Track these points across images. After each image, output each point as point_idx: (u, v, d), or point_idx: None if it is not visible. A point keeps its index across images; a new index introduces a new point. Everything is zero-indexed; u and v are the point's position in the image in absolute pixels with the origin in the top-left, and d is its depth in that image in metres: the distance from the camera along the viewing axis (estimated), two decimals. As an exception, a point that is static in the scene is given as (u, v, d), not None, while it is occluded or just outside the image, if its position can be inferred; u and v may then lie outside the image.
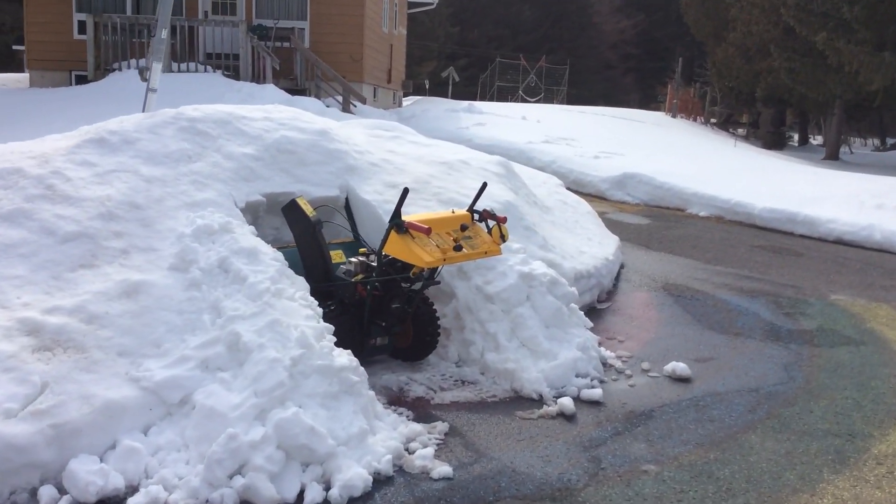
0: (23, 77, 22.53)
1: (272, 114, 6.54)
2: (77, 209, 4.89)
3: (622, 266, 8.97)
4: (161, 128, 5.86)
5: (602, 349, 5.98)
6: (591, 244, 8.06)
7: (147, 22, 18.35)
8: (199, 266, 4.68)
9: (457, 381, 5.35)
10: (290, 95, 16.76)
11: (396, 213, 4.79)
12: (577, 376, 5.39)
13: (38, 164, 5.20)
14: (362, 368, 4.37)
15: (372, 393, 4.37)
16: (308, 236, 5.30)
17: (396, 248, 4.77)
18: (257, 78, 18.31)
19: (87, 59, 18.39)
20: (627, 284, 8.30)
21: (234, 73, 18.45)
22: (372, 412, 4.25)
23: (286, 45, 19.79)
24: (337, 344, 4.90)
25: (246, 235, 4.95)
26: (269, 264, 4.76)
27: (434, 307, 5.54)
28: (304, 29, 20.65)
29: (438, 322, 5.55)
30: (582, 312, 6.06)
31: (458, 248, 4.74)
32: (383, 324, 5.24)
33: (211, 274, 4.66)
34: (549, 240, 6.97)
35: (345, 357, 4.26)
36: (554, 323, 5.64)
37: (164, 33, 8.33)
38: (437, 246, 4.77)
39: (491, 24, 58.79)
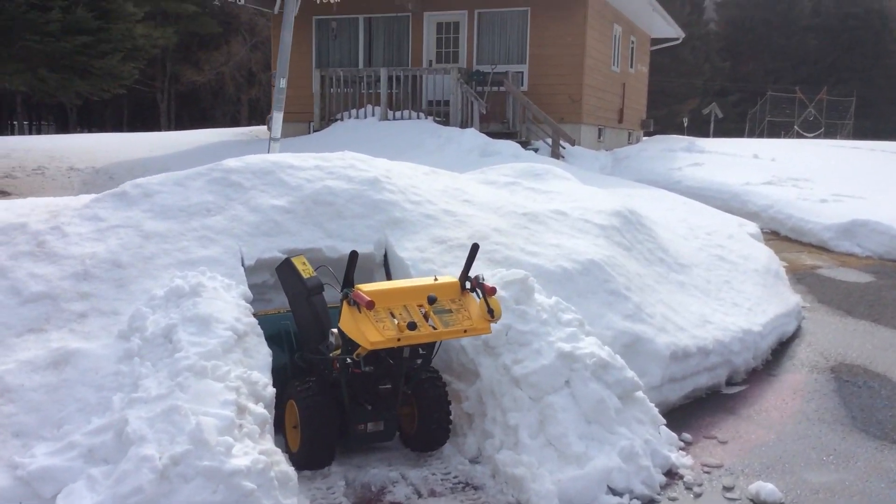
0: (265, 129, 24.33)
1: (328, 161, 5.99)
2: (54, 267, 4.63)
3: (795, 337, 7.27)
4: (191, 180, 5.53)
5: (678, 454, 4.65)
6: (731, 311, 6.54)
7: (367, 74, 18.96)
8: (143, 334, 4.18)
9: (460, 482, 4.34)
10: (489, 139, 16.29)
11: (347, 279, 3.98)
12: (611, 493, 4.17)
13: (45, 218, 5.05)
14: (275, 473, 3.56)
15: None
16: (302, 300, 4.63)
17: (347, 322, 3.95)
18: (465, 123, 18.12)
19: (314, 110, 19.37)
20: (788, 362, 6.64)
21: (445, 119, 18.44)
22: (270, 531, 3.43)
23: (503, 89, 19.47)
24: (314, 430, 4.22)
25: (211, 300, 4.37)
26: (217, 335, 4.14)
27: (444, 388, 4.59)
28: (522, 72, 20.21)
29: (449, 407, 4.60)
30: (652, 405, 4.76)
31: (411, 327, 3.81)
32: (369, 407, 4.40)
33: (153, 344, 4.13)
34: (648, 306, 5.68)
35: (245, 459, 3.49)
36: (596, 418, 4.44)
37: (283, 83, 8.18)
38: (399, 322, 3.88)
39: (768, 56, 54.88)
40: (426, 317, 3.96)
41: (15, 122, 45.49)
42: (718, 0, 60.24)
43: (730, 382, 6.07)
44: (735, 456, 4.78)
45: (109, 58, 13.23)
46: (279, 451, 3.77)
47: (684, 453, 4.74)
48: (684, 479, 4.42)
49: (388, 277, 5.43)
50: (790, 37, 54.15)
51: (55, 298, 4.42)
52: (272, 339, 4.89)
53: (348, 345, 4.04)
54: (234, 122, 38.71)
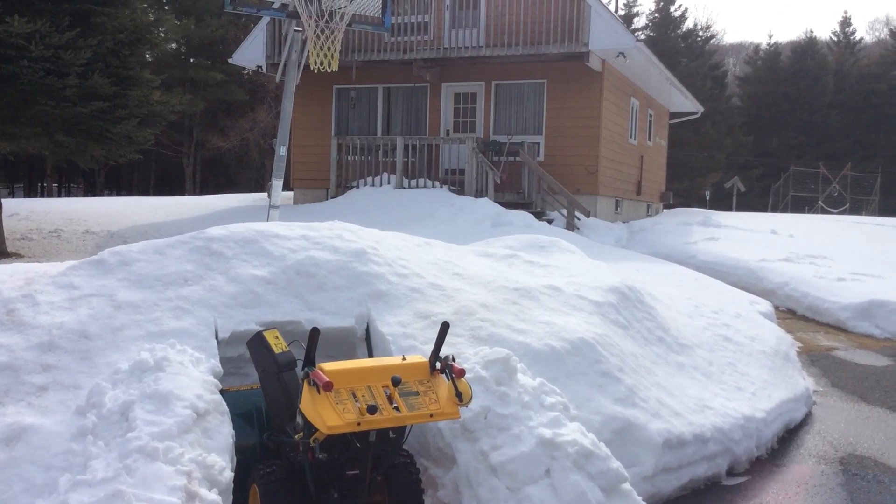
0: (288, 195, 24.50)
1: (315, 231, 5.86)
2: (20, 337, 4.49)
3: (804, 423, 6.93)
4: (172, 248, 5.41)
5: (666, 554, 4.34)
6: (733, 396, 6.25)
7: (384, 143, 19.07)
8: (100, 411, 4.00)
9: (428, 580, 4.07)
10: (502, 209, 16.20)
11: (309, 357, 3.79)
12: None
13: (19, 285, 4.94)
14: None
15: None
16: (272, 377, 4.44)
17: (307, 404, 3.75)
18: (480, 192, 18.09)
19: (330, 177, 19.47)
20: (794, 451, 6.31)
21: (459, 188, 18.42)
22: None
23: (519, 159, 19.48)
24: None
25: (174, 376, 4.19)
26: (175, 414, 3.94)
27: (418, 475, 4.34)
28: (538, 143, 20.24)
29: (423, 496, 4.34)
30: (639, 499, 4.46)
31: (372, 410, 3.60)
32: (336, 494, 4.16)
33: (108, 421, 3.95)
34: (642, 390, 5.42)
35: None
36: (576, 513, 4.16)
37: (283, 151, 8.14)
38: (361, 405, 3.68)
39: (792, 131, 54.91)
40: (391, 399, 3.76)
41: (45, 184, 46.38)
42: (740, 76, 60.69)
43: (731, 473, 5.75)
44: (729, 556, 4.46)
45: (125, 123, 13.37)
46: (228, 542, 3.54)
47: (673, 552, 4.43)
48: (670, 583, 4.11)
49: (370, 352, 5.24)
50: (813, 112, 54.23)
51: (17, 370, 4.27)
52: (243, 417, 4.70)
53: (309, 428, 3.83)
54: (258, 188, 39.07)
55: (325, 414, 3.60)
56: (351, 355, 5.24)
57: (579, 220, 17.71)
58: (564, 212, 17.93)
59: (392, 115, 21.62)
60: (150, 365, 4.29)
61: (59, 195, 44.93)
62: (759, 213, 23.74)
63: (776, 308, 11.81)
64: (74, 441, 3.87)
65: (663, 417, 5.32)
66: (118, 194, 41.07)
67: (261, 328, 5.05)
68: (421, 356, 4.06)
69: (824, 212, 39.67)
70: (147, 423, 3.85)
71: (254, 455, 4.53)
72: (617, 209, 21.81)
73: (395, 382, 3.75)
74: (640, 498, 4.48)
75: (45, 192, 45.80)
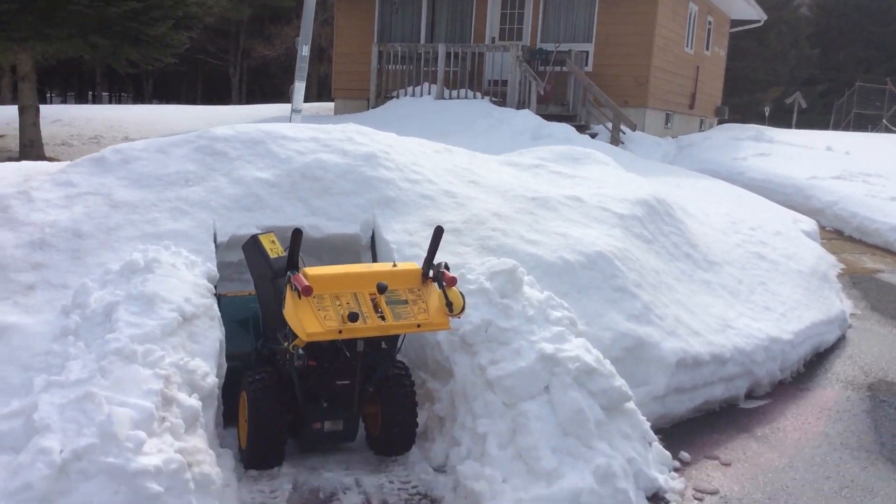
0: (330, 105, 24.16)
1: (326, 133, 5.62)
2: (11, 234, 4.39)
3: (835, 347, 6.62)
4: (175, 147, 5.24)
5: (668, 476, 4.16)
6: (760, 316, 5.95)
7: (426, 51, 18.52)
8: (84, 311, 3.91)
9: (418, 493, 3.95)
10: (543, 121, 15.69)
11: (291, 260, 3.61)
12: (581, 517, 3.71)
13: (15, 182, 4.83)
14: (193, 474, 3.23)
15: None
16: (266, 282, 4.29)
17: (289, 310, 3.58)
18: (523, 104, 17.54)
19: (370, 87, 19.05)
20: (821, 375, 6.03)
21: (502, 100, 17.88)
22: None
23: (565, 69, 18.80)
24: (260, 426, 3.89)
25: (163, 278, 4.06)
26: (159, 316, 3.82)
27: (411, 388, 4.19)
28: (587, 52, 19.47)
29: (416, 408, 4.21)
30: (643, 420, 4.27)
31: (353, 318, 3.42)
32: (325, 404, 4.03)
33: (92, 322, 3.85)
34: (659, 307, 5.16)
35: (156, 457, 3.16)
36: (574, 430, 3.97)
37: (305, 50, 7.84)
38: (344, 312, 3.50)
39: (860, 44, 52.30)
40: (377, 307, 3.57)
41: (95, 93, 46.69)
42: (810, -18, 57.64)
43: (750, 396, 5.51)
44: (735, 481, 4.26)
45: (160, 25, 13.13)
46: (205, 449, 3.43)
47: (677, 475, 4.25)
48: (669, 507, 3.94)
49: (374, 260, 5.06)
50: (886, 24, 51.43)
51: (5, 268, 4.19)
52: (240, 324, 4.59)
53: (291, 335, 3.67)
54: (305, 98, 38.55)
55: (306, 320, 3.44)
56: (357, 262, 5.06)
57: (624, 133, 17.13)
58: (610, 125, 17.36)
59: (436, 23, 20.93)
60: (140, 266, 4.17)
61: (110, 103, 45.27)
62: (816, 131, 22.71)
63: (822, 228, 11.31)
64: (56, 342, 3.79)
65: (680, 336, 5.07)
66: (166, 103, 41.23)
67: (261, 232, 4.89)
68: (414, 263, 3.85)
69: (888, 131, 38.00)
70: (129, 324, 3.74)
71: (249, 363, 4.43)
72: (667, 123, 21.04)
73: (381, 289, 3.56)
74: (643, 418, 4.29)
75: (96, 101, 46.13)
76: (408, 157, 5.69)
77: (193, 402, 3.55)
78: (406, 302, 3.63)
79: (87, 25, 12.68)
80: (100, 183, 4.85)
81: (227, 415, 4.26)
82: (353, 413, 4.06)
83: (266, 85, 45.02)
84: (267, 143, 5.37)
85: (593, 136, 16.85)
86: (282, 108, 25.08)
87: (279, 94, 42.24)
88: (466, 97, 18.08)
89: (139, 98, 46.35)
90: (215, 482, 3.36)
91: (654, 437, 4.27)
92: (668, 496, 4.01)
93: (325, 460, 4.17)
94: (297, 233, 3.61)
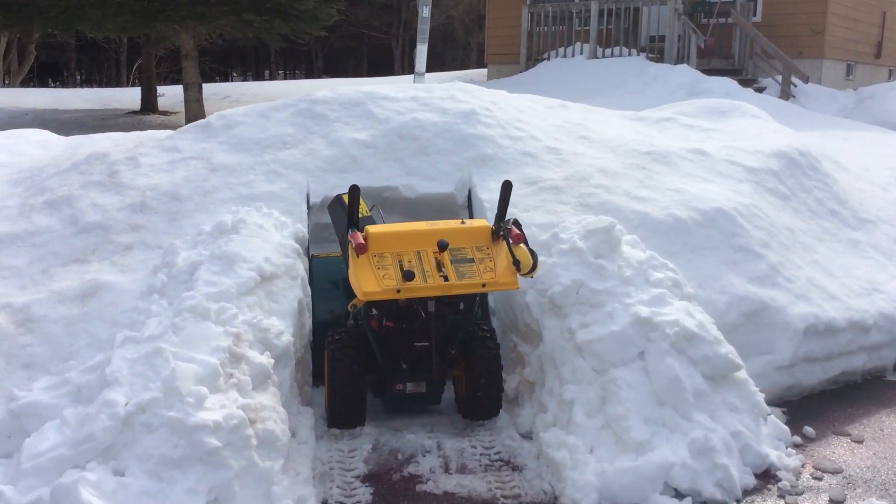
0: (483, 72, 23.97)
1: (429, 93, 5.47)
2: (116, 198, 4.56)
3: None
4: (276, 111, 5.26)
5: (784, 452, 3.73)
6: (918, 279, 5.25)
7: (578, 9, 17.91)
8: (170, 270, 3.98)
9: (500, 460, 3.76)
10: (701, 76, 14.74)
11: (350, 218, 3.48)
12: (672, 493, 3.40)
13: (127, 148, 5.02)
14: (255, 431, 3.20)
15: (255, 465, 3.17)
16: (347, 240, 4.21)
17: (351, 269, 3.47)
18: (682, 59, 16.59)
19: (520, 50, 18.70)
20: None
21: (659, 56, 17.01)
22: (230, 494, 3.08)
23: (731, 20, 17.60)
24: (338, 386, 3.84)
25: (248, 238, 4.06)
26: (237, 275, 3.82)
27: (496, 351, 3.98)
28: (755, 1, 18.13)
29: (501, 372, 4.00)
30: (755, 391, 3.84)
31: (409, 276, 3.25)
32: (404, 366, 3.91)
33: (177, 281, 3.91)
34: (789, 268, 4.65)
35: (217, 413, 3.14)
36: (670, 400, 3.64)
37: (426, 11, 7.69)
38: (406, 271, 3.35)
39: None
40: (440, 266, 3.39)
41: (270, 71, 49.17)
42: None
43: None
44: (865, 461, 3.76)
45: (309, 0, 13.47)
46: (273, 406, 3.39)
47: (795, 451, 3.79)
48: (779, 485, 3.52)
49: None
50: None
51: (107, 229, 4.35)
52: (336, 285, 4.54)
53: (353, 295, 3.56)
54: (464, 67, 38.89)
55: (363, 279, 3.31)
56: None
57: (795, 87, 15.84)
58: (780, 78, 16.11)
59: (591, -21, 20.18)
60: (227, 227, 4.19)
61: (284, 80, 47.39)
62: None
63: None
64: (142, 299, 3.88)
65: (811, 300, 4.54)
66: (335, 77, 42.69)
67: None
68: (484, 221, 3.63)
69: None
70: (207, 283, 3.76)
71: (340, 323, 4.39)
72: (849, 74, 19.27)
73: (442, 247, 3.37)
74: (755, 389, 3.86)
75: (272, 78, 48.48)
76: (512, 113, 5.43)
77: (264, 359, 3.52)
78: (473, 260, 3.43)
79: (239, 3, 13.19)
80: (202, 148, 4.94)
81: (318, 374, 4.25)
82: (433, 375, 3.92)
83: (428, 55, 45.48)
84: (367, 104, 5.29)
85: (761, 90, 15.68)
86: (438, 77, 25.18)
87: (441, 63, 42.66)
88: (621, 55, 17.33)
89: (310, 73, 48.22)
90: (280, 439, 3.32)
91: (768, 409, 3.84)
92: (780, 474, 3.59)
93: (410, 422, 4.06)
94: (353, 189, 3.48)
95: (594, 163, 5.03)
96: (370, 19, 38.62)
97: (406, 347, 3.85)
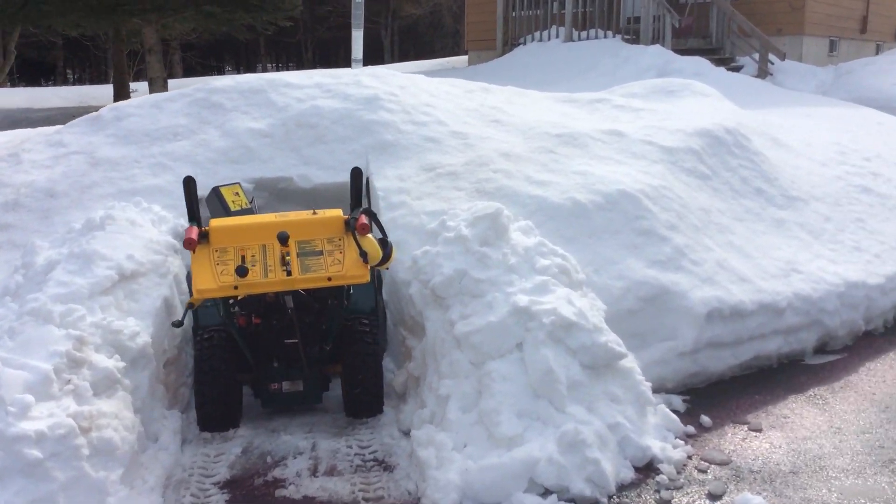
0: (465, 59, 23.64)
1: (335, 78, 5.27)
2: (-9, 197, 4.39)
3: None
4: (171, 101, 5.07)
5: (669, 444, 3.54)
6: (843, 258, 5.05)
7: (553, -8, 17.61)
8: (28, 271, 3.80)
9: (373, 460, 3.57)
10: (674, 56, 14.45)
11: (189, 211, 3.29)
12: (538, 490, 3.21)
13: (13, 144, 4.85)
14: (89, 440, 3.02)
15: (86, 476, 2.98)
16: None
17: (192, 264, 3.28)
18: (658, 40, 16.30)
19: (496, 35, 18.43)
20: (925, 329, 5.03)
21: (635, 37, 16.72)
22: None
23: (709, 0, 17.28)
24: (204, 386, 3.67)
25: (113, 235, 3.86)
26: (93, 275, 3.64)
27: (374, 346, 3.79)
28: (734, -24, 17.78)
29: (379, 368, 3.81)
30: (641, 380, 3.65)
31: (241, 272, 3.06)
32: (275, 364, 3.73)
33: (33, 281, 3.73)
34: (697, 251, 4.45)
35: (41, 422, 2.92)
36: (545, 392, 3.45)
37: (359, -4, 7.46)
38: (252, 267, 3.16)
39: None
40: (284, 260, 3.20)
41: (261, 65, 48.94)
42: None
43: (823, 350, 4.68)
44: (757, 449, 3.57)
45: (271, -11, 13.27)
46: (114, 413, 3.20)
47: (683, 443, 3.60)
48: (658, 479, 3.32)
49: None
50: None
51: (-25, 229, 4.17)
52: None
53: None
54: (454, 54, 38.43)
55: (199, 276, 3.13)
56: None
57: (773, 64, 15.55)
58: (757, 56, 15.81)
59: (567, -38, 19.86)
60: (95, 224, 4.01)
61: (277, 71, 46.82)
62: None
63: None
64: (-5, 301, 3.70)
65: (718, 284, 4.33)
66: (325, 67, 42.26)
67: (250, 185, 4.64)
68: (339, 211, 3.43)
69: None
70: (59, 283, 3.58)
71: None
72: (832, 50, 18.90)
73: (282, 240, 3.17)
74: (641, 378, 3.67)
75: (263, 70, 48.11)
76: (421, 98, 5.23)
77: (111, 363, 3.34)
78: (321, 253, 3.24)
79: (200, -5, 13.01)
80: (88, 142, 4.76)
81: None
82: (307, 373, 3.73)
83: (418, 44, 45.21)
84: (267, 92, 5.09)
85: (737, 69, 15.41)
86: (419, 65, 24.92)
87: (430, 51, 42.29)
88: (597, 37, 17.04)
89: (300, 65, 47.96)
90: (119, 447, 3.14)
91: (652, 399, 3.64)
92: (661, 466, 3.39)
93: (290, 422, 3.88)
94: (188, 181, 3.29)
95: (499, 147, 4.82)
96: (358, 9, 38.30)
97: (276, 345, 3.67)
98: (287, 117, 4.89)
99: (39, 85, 37.93)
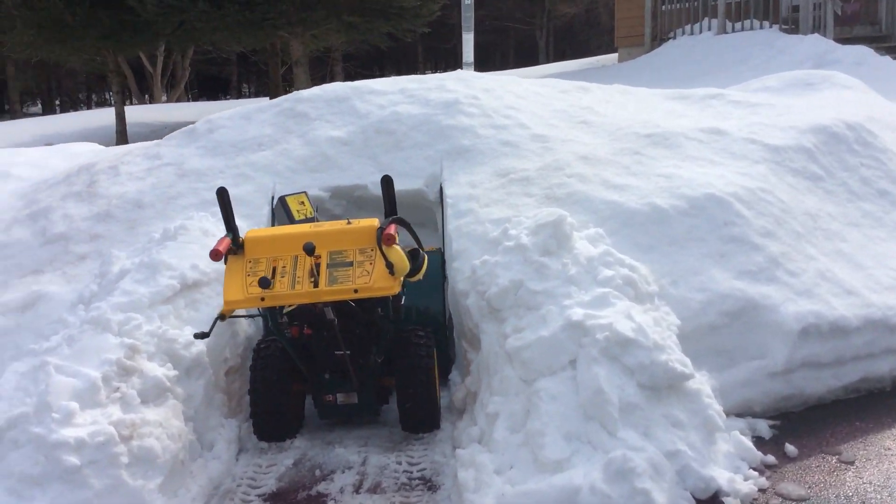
0: (615, 56, 22.91)
1: (419, 83, 5.21)
2: (85, 208, 4.62)
3: None
4: (260, 112, 5.18)
5: (739, 475, 3.21)
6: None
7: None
8: (103, 280, 3.97)
9: (420, 478, 3.46)
10: (833, 46, 13.36)
11: (225, 221, 3.30)
12: (580, 522, 2.98)
13: (114, 157, 5.10)
14: (130, 448, 3.09)
15: (124, 484, 3.05)
16: None
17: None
18: (819, 29, 15.14)
19: (644, 30, 17.81)
20: None
21: (794, 27, 15.62)
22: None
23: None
24: (257, 397, 3.70)
25: (183, 245, 3.98)
26: (156, 284, 3.75)
27: (427, 359, 3.66)
28: (905, -41, 16.25)
29: (433, 381, 3.69)
30: (710, 402, 3.33)
31: (264, 283, 3.02)
32: (326, 376, 3.69)
33: (106, 290, 3.89)
34: (795, 260, 4.03)
35: (82, 430, 3.05)
36: (595, 413, 3.21)
37: (468, -1, 7.35)
38: (281, 278, 3.13)
39: None
40: (314, 271, 3.14)
41: (418, 71, 49.63)
42: None
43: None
44: (845, 487, 3.15)
45: (410, -2, 13.43)
46: (159, 422, 3.25)
47: (758, 474, 3.24)
48: (729, 509, 3.00)
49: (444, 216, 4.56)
50: None
51: (69, 239, 4.41)
52: None
53: None
54: (611, 51, 37.38)
55: (229, 287, 3.13)
56: (430, 219, 4.61)
57: (947, 47, 14.07)
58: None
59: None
60: (170, 233, 4.14)
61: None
62: None
63: None
64: (71, 310, 3.89)
65: (817, 296, 3.89)
66: (482, 70, 42.21)
67: (328, 194, 4.65)
68: (375, 220, 3.33)
69: None
70: (123, 292, 3.71)
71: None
72: None
73: (308, 251, 3.11)
74: (710, 401, 3.34)
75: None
76: (506, 100, 5.05)
77: (160, 372, 3.42)
78: (352, 264, 3.16)
79: (339, 5, 13.33)
80: (179, 154, 4.93)
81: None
82: (356, 386, 3.67)
83: (573, 43, 44.48)
84: (351, 99, 5.09)
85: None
86: (565, 66, 24.50)
87: (586, 50, 41.51)
88: (752, 28, 16.08)
89: (457, 67, 48.25)
90: (160, 456, 3.19)
91: (721, 425, 3.30)
92: (727, 500, 3.06)
93: (346, 435, 3.83)
94: (221, 192, 3.30)
95: (580, 149, 4.57)
96: (515, 12, 38.23)
97: (326, 356, 3.63)
98: (367, 124, 4.86)
99: (217, 99, 40.49)
